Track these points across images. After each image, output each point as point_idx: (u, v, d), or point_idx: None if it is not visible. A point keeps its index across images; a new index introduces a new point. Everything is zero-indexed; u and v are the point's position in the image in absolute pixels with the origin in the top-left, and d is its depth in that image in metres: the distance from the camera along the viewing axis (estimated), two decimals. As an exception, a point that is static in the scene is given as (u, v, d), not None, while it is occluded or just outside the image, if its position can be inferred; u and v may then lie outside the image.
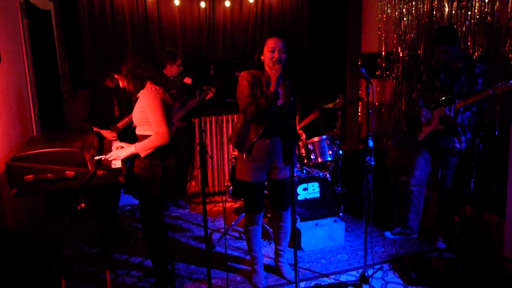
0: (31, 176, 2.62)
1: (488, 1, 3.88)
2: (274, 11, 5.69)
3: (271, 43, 3.00)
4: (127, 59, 3.01)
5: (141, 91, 3.04)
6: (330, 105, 4.45)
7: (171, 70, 4.65)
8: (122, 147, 3.13)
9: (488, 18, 3.90)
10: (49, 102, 4.23)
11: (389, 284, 3.37)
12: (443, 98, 3.66)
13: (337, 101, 4.47)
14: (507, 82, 3.24)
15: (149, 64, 3.06)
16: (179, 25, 5.35)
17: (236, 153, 3.37)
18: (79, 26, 4.91)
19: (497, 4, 3.81)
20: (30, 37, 3.84)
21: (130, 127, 3.87)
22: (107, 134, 4.03)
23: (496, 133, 3.90)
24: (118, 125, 4.08)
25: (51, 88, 4.37)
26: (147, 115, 3.00)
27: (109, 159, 3.01)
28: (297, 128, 4.44)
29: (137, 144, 3.03)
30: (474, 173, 4.13)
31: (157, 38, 5.27)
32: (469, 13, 4.07)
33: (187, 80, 4.69)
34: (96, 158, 3.00)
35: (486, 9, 3.91)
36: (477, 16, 4.00)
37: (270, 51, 2.99)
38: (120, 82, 3.11)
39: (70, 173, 2.69)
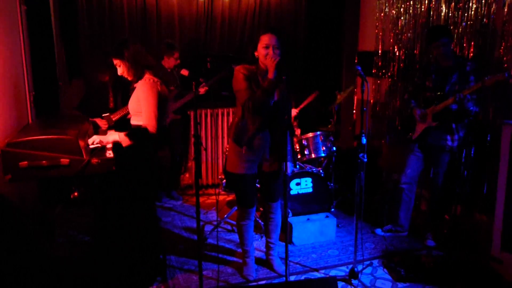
0: (25, 162, 2.63)
1: (485, 3, 3.91)
2: (272, 6, 5.69)
3: (265, 40, 2.96)
4: (130, 45, 3.01)
5: (139, 82, 3.04)
6: (331, 106, 4.56)
7: (168, 62, 4.64)
8: None
9: (484, 20, 3.93)
10: (45, 90, 4.22)
11: (378, 280, 3.41)
12: (436, 94, 3.70)
13: (338, 97, 4.55)
14: (496, 74, 3.32)
15: (149, 55, 3.08)
16: (177, 17, 5.33)
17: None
18: (77, 14, 4.89)
19: (493, 7, 3.85)
20: (28, 24, 3.83)
21: (126, 120, 3.87)
22: (99, 122, 4.01)
23: (488, 137, 3.94)
24: (112, 117, 4.08)
25: (47, 76, 4.36)
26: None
27: (95, 142, 3.02)
28: (297, 110, 4.50)
29: (122, 134, 3.01)
30: (465, 173, 4.18)
31: (155, 30, 5.25)
32: (466, 14, 4.10)
33: (184, 72, 4.72)
34: (91, 146, 3.01)
35: (482, 11, 3.94)
36: (473, 18, 4.03)
37: (264, 47, 2.96)
38: (118, 70, 3.09)
39: (64, 161, 2.69)
